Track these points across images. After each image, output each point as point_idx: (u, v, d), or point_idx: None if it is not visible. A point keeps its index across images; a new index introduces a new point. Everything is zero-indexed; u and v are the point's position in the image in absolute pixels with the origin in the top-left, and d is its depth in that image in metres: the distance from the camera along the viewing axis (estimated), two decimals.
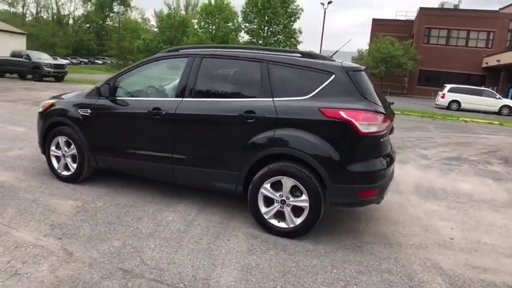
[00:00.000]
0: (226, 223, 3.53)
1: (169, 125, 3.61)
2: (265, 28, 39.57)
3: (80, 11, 66.35)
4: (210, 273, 2.67)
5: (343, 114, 2.98)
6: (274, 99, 3.23)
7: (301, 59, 3.33)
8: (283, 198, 3.23)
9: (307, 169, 3.09)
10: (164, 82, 3.98)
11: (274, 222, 3.30)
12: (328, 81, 3.13)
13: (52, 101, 4.43)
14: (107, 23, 66.25)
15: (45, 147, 4.40)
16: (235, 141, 3.34)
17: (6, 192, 3.93)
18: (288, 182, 3.17)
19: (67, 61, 46.79)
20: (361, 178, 3.04)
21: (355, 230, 3.58)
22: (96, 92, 4.00)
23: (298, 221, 3.21)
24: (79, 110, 4.07)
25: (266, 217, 3.31)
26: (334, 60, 3.28)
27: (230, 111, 3.34)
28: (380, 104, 3.21)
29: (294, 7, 38.75)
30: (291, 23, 39.03)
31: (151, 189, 4.24)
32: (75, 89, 7.81)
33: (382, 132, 3.10)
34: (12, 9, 54.90)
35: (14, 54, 20.66)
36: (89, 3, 66.75)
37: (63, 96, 4.44)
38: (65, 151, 4.26)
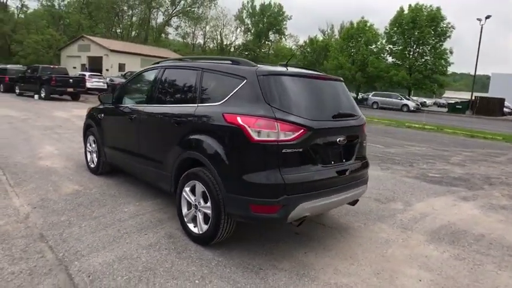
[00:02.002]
0: (165, 222, 3.81)
1: (136, 128, 4.19)
2: (411, 49, 36.70)
3: (239, 40, 75.70)
4: (91, 252, 3.06)
5: (239, 119, 2.93)
6: (199, 104, 3.40)
7: (222, 64, 3.41)
8: (195, 203, 3.32)
9: (212, 175, 3.12)
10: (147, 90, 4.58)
11: (191, 226, 3.42)
12: (239, 86, 3.12)
13: (92, 106, 5.62)
14: (263, 50, 73.57)
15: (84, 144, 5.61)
16: (169, 144, 3.64)
17: (46, 174, 5.23)
18: (199, 187, 3.27)
19: None
20: (253, 190, 2.87)
21: (284, 253, 3.30)
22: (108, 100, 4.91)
23: (205, 228, 3.24)
24: (98, 114, 5.09)
25: (185, 220, 3.46)
26: (255, 65, 3.21)
27: (167, 116, 3.67)
28: (298, 112, 2.96)
29: (444, 25, 34.75)
30: (441, 43, 35.02)
31: (146, 186, 4.82)
32: None
33: (286, 142, 2.85)
34: (184, 41, 67.34)
35: None
36: (248, 33, 75.61)
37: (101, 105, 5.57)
38: (92, 147, 5.34)
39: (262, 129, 2.83)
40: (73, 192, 4.55)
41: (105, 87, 24.28)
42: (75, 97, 18.54)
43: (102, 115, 5.02)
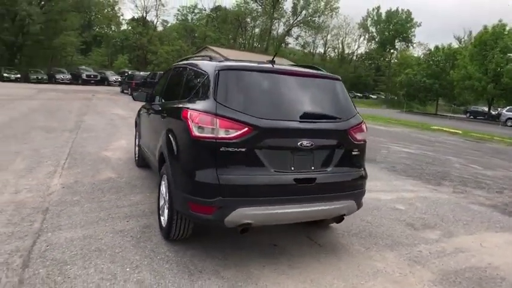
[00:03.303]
0: (156, 213, 4.00)
1: (150, 123, 4.55)
2: None
3: (362, 49, 73.43)
4: (69, 228, 3.47)
5: (188, 115, 2.95)
6: (180, 100, 3.53)
7: (199, 61, 3.45)
8: (164, 196, 3.44)
9: (168, 170, 3.21)
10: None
11: (162, 218, 3.56)
12: (202, 81, 3.15)
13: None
14: (386, 59, 69.94)
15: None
16: (157, 138, 3.84)
17: (98, 162, 6.06)
18: (166, 182, 3.38)
19: None
20: (191, 188, 2.84)
21: (238, 262, 3.15)
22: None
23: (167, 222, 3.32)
24: (140, 111, 5.67)
25: (160, 212, 3.61)
26: (221, 61, 3.17)
27: (160, 112, 3.91)
28: (246, 110, 2.81)
29: None
30: None
31: None
32: None
33: (226, 140, 2.73)
34: (304, 50, 68.45)
35: None
36: (372, 41, 72.72)
37: None
38: (137, 141, 5.97)
39: (203, 125, 2.79)
40: (105, 179, 5.16)
41: None
42: None
43: (141, 112, 5.58)
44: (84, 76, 32.86)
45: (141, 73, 26.34)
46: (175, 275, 2.84)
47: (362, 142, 3.35)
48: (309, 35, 66.64)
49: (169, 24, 62.59)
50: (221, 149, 2.74)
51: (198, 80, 3.26)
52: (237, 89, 2.93)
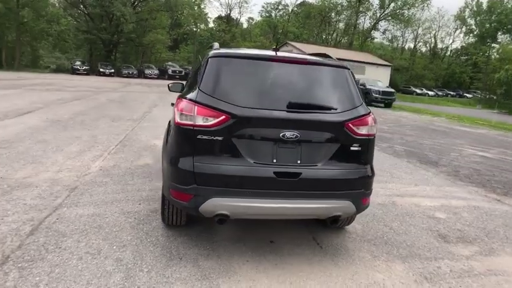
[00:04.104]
0: None
1: None
2: None
3: (457, 43, 66.72)
4: (84, 205, 3.81)
5: (176, 102, 3.03)
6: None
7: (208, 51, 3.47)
8: None
9: None
10: None
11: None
12: (198, 70, 3.23)
13: None
14: (485, 54, 62.60)
15: None
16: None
17: (143, 149, 6.53)
18: None
19: (432, 92, 50.31)
20: (171, 174, 2.89)
21: (222, 254, 3.15)
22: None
23: None
24: None
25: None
26: (218, 50, 3.17)
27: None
28: (227, 98, 2.77)
29: None
30: None
31: None
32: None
33: (203, 128, 2.72)
34: (391, 45, 64.53)
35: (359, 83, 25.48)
36: (470, 35, 65.70)
37: None
38: None
39: (184, 113, 2.82)
40: (141, 165, 5.53)
41: None
42: None
43: None
44: (169, 71, 35.44)
45: None
46: (155, 258, 2.94)
47: (365, 137, 3.04)
48: (398, 29, 62.59)
49: (254, 21, 64.35)
50: (198, 137, 2.75)
51: (198, 69, 3.31)
52: (224, 77, 2.90)
